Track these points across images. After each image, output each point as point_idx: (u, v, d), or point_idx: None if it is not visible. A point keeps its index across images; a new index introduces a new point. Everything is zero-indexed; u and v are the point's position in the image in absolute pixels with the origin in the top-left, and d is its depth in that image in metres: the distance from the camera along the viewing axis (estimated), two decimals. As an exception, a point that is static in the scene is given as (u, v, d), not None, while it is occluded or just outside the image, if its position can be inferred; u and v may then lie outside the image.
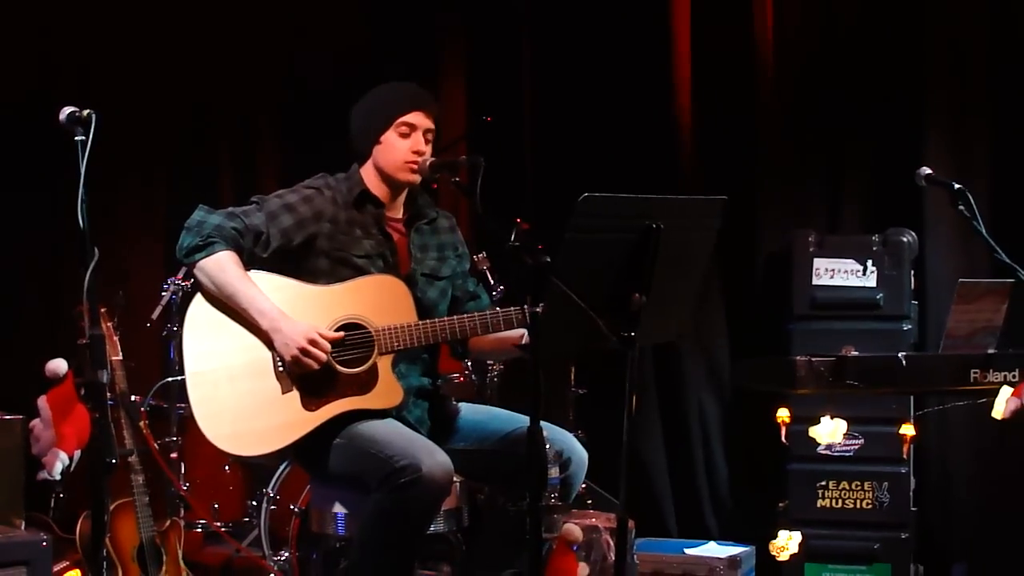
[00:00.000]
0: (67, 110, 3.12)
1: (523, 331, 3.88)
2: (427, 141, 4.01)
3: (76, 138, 3.10)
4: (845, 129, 6.02)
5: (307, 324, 3.73)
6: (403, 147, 3.97)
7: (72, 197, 3.04)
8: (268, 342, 3.75)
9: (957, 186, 3.88)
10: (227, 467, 5.70)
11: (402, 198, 4.09)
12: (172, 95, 6.34)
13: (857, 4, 6.00)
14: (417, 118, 3.99)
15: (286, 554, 4.97)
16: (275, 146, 6.73)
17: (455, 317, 3.85)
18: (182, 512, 5.40)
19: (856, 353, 3.94)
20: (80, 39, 6.03)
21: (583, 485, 5.05)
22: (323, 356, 3.71)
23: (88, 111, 3.10)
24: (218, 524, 5.53)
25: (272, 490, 5.09)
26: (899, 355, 3.92)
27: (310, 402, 3.75)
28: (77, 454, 2.95)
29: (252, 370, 3.75)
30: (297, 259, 3.91)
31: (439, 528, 3.86)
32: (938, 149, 5.77)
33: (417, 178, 4.02)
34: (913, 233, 5.62)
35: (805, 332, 5.58)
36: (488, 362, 5.32)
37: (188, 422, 5.28)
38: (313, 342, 3.70)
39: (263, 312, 3.74)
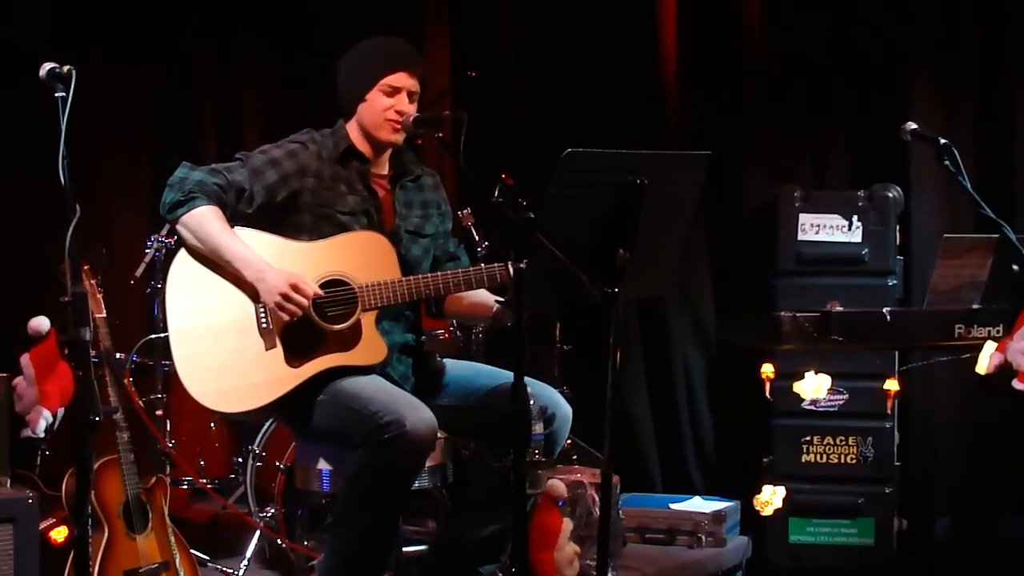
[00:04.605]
0: (47, 66, 3.08)
1: (493, 301, 3.92)
2: (411, 100, 3.99)
3: (56, 94, 3.07)
4: (831, 84, 6.01)
5: (290, 271, 3.72)
6: (386, 105, 3.95)
7: (55, 153, 3.01)
8: (253, 294, 3.74)
9: (943, 141, 3.87)
10: (212, 424, 5.69)
11: (387, 155, 4.08)
12: (155, 50, 6.29)
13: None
14: (401, 79, 3.96)
15: (272, 510, 4.97)
16: (259, 104, 6.69)
17: (439, 273, 3.85)
18: (168, 469, 5.40)
19: (841, 308, 3.95)
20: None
21: (568, 441, 5.06)
22: (305, 302, 3.69)
23: (68, 67, 3.07)
24: (204, 481, 5.53)
25: (257, 447, 5.09)
26: (884, 310, 3.93)
27: (294, 359, 3.75)
28: (60, 412, 2.95)
29: (236, 327, 3.74)
30: (280, 215, 3.89)
31: (424, 484, 3.86)
32: (924, 103, 5.77)
33: (400, 138, 4.00)
34: (899, 188, 5.63)
35: (790, 287, 5.59)
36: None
37: (173, 379, 5.27)
38: (295, 287, 3.69)
39: (247, 263, 3.73)
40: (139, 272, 5.42)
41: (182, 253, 3.80)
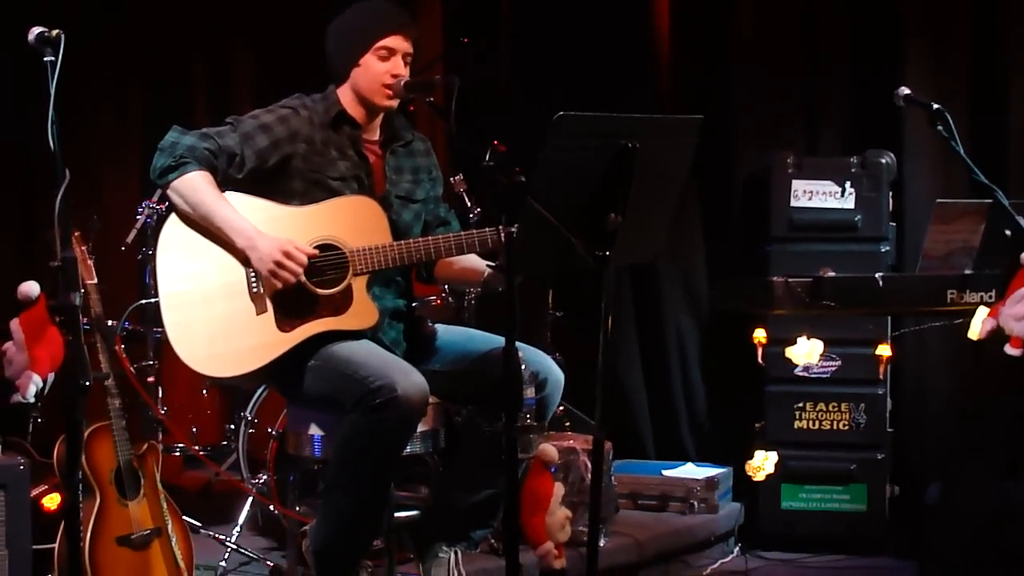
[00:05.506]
0: (36, 30, 3.05)
1: (485, 266, 3.92)
2: (406, 64, 3.97)
3: (45, 59, 3.04)
4: (824, 49, 5.99)
5: (282, 238, 3.71)
6: (382, 70, 3.92)
7: (44, 117, 2.99)
8: (244, 260, 3.73)
9: (936, 106, 3.85)
10: (205, 391, 5.70)
11: (379, 120, 4.06)
12: (146, 14, 6.25)
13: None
14: (396, 41, 3.94)
15: (264, 477, 4.97)
16: (250, 67, 6.66)
17: (430, 238, 3.83)
18: (160, 436, 5.40)
19: (833, 274, 3.94)
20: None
21: (561, 407, 5.06)
22: (298, 269, 3.68)
23: (57, 31, 3.04)
24: (196, 448, 5.54)
25: (250, 413, 5.09)
26: (876, 276, 3.92)
27: (285, 323, 3.74)
28: (51, 377, 2.92)
29: (226, 292, 3.73)
30: (271, 180, 3.87)
31: (416, 449, 3.86)
32: (917, 69, 5.75)
33: (395, 103, 3.98)
34: (892, 154, 5.62)
35: (783, 253, 5.60)
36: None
37: (165, 346, 5.25)
38: (288, 254, 3.67)
39: (238, 230, 3.72)
40: (130, 238, 5.40)
41: (173, 218, 3.79)
